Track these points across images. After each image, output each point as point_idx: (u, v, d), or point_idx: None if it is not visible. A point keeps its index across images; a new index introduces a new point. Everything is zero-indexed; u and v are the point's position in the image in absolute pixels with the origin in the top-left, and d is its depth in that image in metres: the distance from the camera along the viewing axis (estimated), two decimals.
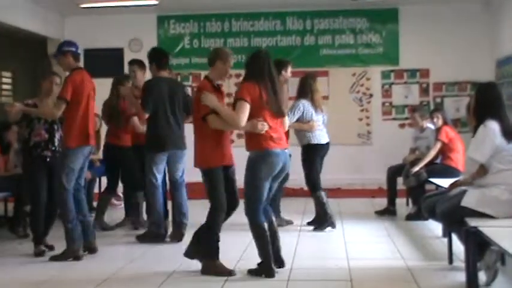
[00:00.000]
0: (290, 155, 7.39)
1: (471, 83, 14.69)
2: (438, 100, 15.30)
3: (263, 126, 6.92)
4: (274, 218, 7.42)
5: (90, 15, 14.92)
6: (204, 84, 7.34)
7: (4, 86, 18.88)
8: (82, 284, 6.97)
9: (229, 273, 7.13)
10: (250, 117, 6.93)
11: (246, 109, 6.86)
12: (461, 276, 6.32)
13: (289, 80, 10.09)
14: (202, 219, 7.25)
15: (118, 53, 15.18)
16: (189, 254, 7.44)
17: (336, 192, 14.05)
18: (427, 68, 15.39)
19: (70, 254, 8.01)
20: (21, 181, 9.80)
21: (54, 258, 8.03)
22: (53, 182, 8.36)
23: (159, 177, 9.22)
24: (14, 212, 10.03)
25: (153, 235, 9.16)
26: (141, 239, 9.17)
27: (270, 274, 6.98)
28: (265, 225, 7.04)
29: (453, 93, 15.26)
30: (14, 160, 10.40)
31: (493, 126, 6.57)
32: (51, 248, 8.47)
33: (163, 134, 9.07)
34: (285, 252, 7.83)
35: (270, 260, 7.04)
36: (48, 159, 8.45)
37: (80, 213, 8.21)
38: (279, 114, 7.15)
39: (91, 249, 8.34)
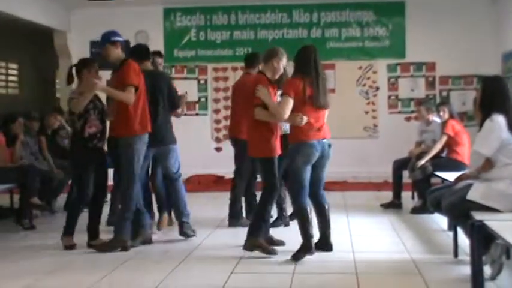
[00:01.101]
0: (330, 145, 7.75)
1: (477, 76, 14.69)
2: (444, 93, 15.31)
3: (301, 120, 7.41)
4: (326, 206, 7.95)
5: (96, 7, 14.92)
6: (261, 79, 7.81)
7: (10, 78, 18.94)
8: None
9: (269, 252, 7.71)
10: (293, 110, 7.44)
11: (289, 103, 7.39)
12: (466, 270, 6.31)
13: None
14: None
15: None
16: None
17: (342, 185, 14.11)
18: (434, 61, 15.38)
19: (119, 244, 8.01)
20: (27, 172, 9.85)
21: (101, 249, 7.98)
22: (101, 174, 8.34)
23: (140, 172, 8.53)
24: (20, 203, 10.05)
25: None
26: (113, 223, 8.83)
27: (309, 252, 7.50)
28: (308, 208, 7.60)
29: (459, 87, 15.26)
30: (20, 152, 10.44)
31: (499, 120, 6.56)
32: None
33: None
34: (290, 246, 7.93)
35: (311, 239, 7.57)
36: (100, 151, 8.39)
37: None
38: (321, 107, 7.60)
39: (147, 241, 8.40)
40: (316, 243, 7.73)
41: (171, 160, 8.95)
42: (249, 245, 7.75)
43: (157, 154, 8.97)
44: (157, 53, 9.98)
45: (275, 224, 9.17)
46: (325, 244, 7.86)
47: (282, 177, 8.57)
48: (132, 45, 14.90)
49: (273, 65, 7.85)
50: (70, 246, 8.11)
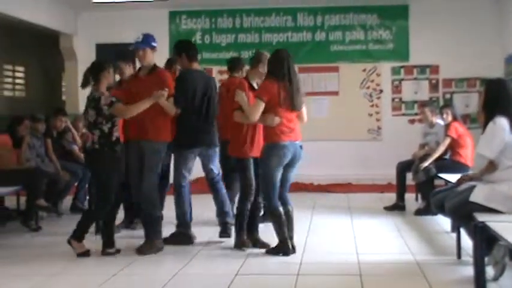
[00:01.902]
0: (301, 147, 7.86)
1: (480, 79, 14.70)
2: (448, 96, 15.33)
3: (273, 121, 7.57)
4: (290, 208, 7.93)
5: (103, 10, 14.97)
6: (242, 83, 8.12)
7: (17, 80, 18.98)
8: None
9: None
10: (267, 111, 7.59)
11: (259, 106, 7.55)
12: (469, 271, 6.33)
13: (301, 75, 9.74)
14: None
15: (131, 50, 15.20)
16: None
17: (345, 187, 14.14)
18: (437, 64, 15.42)
19: (155, 248, 7.93)
20: (34, 174, 9.87)
21: (141, 252, 7.84)
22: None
23: (188, 176, 8.70)
24: (26, 205, 10.06)
25: (181, 236, 8.55)
26: (169, 240, 8.42)
27: (286, 252, 7.68)
28: (281, 209, 7.71)
29: (462, 90, 15.29)
30: (27, 154, 10.46)
31: (502, 123, 6.57)
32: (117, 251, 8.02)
33: (194, 130, 8.52)
34: (295, 247, 7.97)
35: (287, 240, 7.73)
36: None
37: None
38: (293, 109, 7.73)
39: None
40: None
41: (215, 161, 8.95)
42: (239, 244, 8.11)
43: (203, 155, 8.81)
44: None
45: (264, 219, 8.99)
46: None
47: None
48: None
49: (259, 70, 8.15)
50: (84, 253, 7.81)
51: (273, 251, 7.81)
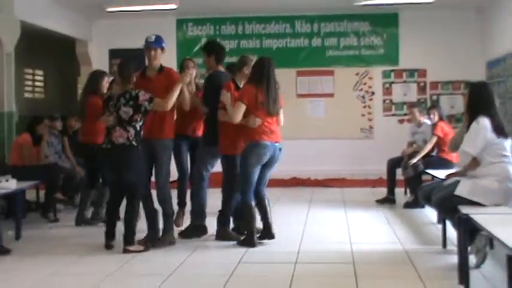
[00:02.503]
0: (280, 149, 7.91)
1: (464, 82, 14.71)
2: (434, 98, 15.34)
3: (255, 122, 7.68)
4: (267, 200, 7.98)
5: (115, 18, 14.97)
6: (228, 85, 8.05)
7: (37, 83, 19.02)
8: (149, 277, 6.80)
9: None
10: (248, 113, 7.70)
11: (241, 108, 7.67)
12: (453, 259, 6.34)
13: (299, 79, 9.70)
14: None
15: (140, 52, 15.14)
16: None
17: (340, 182, 14.14)
18: (425, 68, 15.43)
19: (169, 241, 7.83)
20: (52, 170, 9.90)
21: (154, 245, 7.62)
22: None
23: (210, 170, 8.57)
24: (45, 198, 10.09)
25: (195, 227, 8.38)
26: (185, 234, 8.34)
27: (252, 245, 7.74)
28: (253, 204, 7.81)
29: (448, 92, 15.31)
30: (46, 151, 10.50)
31: (485, 123, 6.58)
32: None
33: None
34: (293, 237, 8.10)
35: (253, 233, 7.81)
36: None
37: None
38: (271, 113, 7.81)
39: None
40: (261, 233, 7.98)
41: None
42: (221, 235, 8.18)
43: (213, 155, 8.51)
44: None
45: None
46: (268, 233, 7.90)
47: None
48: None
49: (244, 72, 8.18)
50: (143, 250, 7.49)
51: (241, 243, 7.84)
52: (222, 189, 8.33)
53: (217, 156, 8.43)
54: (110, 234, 7.61)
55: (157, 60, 8.00)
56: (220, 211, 8.28)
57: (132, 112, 7.35)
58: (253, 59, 8.23)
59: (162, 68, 8.03)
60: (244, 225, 8.01)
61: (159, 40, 8.00)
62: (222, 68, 8.60)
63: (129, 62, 7.90)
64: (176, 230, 8.33)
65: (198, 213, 8.43)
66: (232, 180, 8.13)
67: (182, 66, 9.18)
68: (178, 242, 7.97)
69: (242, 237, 7.96)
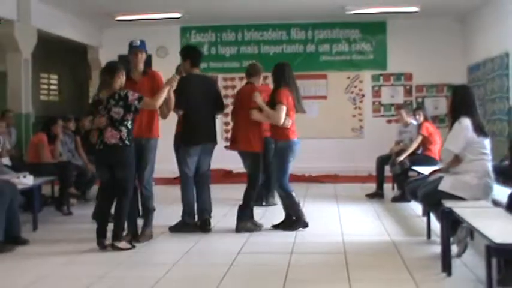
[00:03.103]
0: None
1: (447, 85, 14.73)
2: (420, 100, 15.35)
3: (289, 122, 7.96)
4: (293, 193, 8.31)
5: (124, 26, 14.96)
6: (255, 88, 8.42)
7: (52, 87, 19.05)
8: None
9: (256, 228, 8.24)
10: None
11: (283, 110, 7.89)
12: (437, 249, 6.39)
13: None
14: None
15: (147, 58, 15.19)
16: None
17: (333, 178, 14.17)
18: (411, 72, 15.45)
19: (149, 235, 7.59)
20: (65, 167, 9.92)
21: (138, 240, 7.42)
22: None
23: (192, 168, 8.24)
24: (59, 193, 10.13)
25: (185, 224, 8.19)
26: (174, 229, 8.18)
27: (305, 225, 8.18)
28: (293, 192, 8.26)
29: (432, 94, 15.34)
30: (60, 149, 10.53)
31: (466, 123, 6.59)
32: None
33: (196, 128, 8.13)
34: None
35: (302, 214, 8.24)
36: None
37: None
38: (299, 112, 8.24)
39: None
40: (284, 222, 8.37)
41: (209, 158, 8.48)
42: (240, 227, 8.16)
43: (202, 151, 8.29)
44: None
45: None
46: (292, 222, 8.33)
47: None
48: (153, 60, 15.09)
49: (260, 78, 8.76)
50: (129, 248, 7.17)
51: (292, 227, 8.18)
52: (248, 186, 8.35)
53: (195, 154, 8.20)
54: (102, 232, 7.23)
55: (141, 63, 7.80)
56: (240, 205, 8.26)
57: (123, 112, 7.08)
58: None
59: (146, 71, 7.89)
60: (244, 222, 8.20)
61: (143, 44, 7.85)
62: (197, 71, 8.42)
63: (116, 63, 7.68)
64: None
65: (187, 211, 8.23)
66: (257, 177, 8.33)
67: (177, 71, 8.86)
68: (181, 235, 7.95)
69: (280, 224, 8.33)
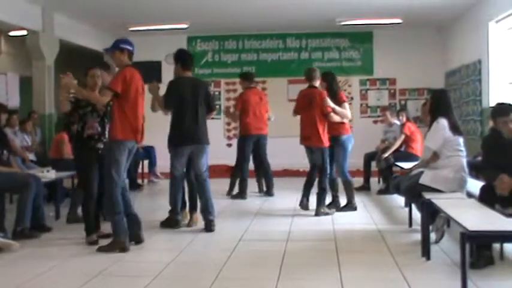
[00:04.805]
0: None
1: (427, 89, 14.75)
2: (403, 102, 15.35)
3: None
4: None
5: (136, 36, 14.89)
6: (323, 92, 8.67)
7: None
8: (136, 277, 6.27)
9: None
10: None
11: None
12: (417, 236, 6.45)
13: (290, 86, 9.78)
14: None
15: (156, 64, 15.18)
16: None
17: None
18: (395, 77, 15.46)
19: (117, 246, 6.44)
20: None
21: (101, 249, 6.48)
22: (103, 173, 6.83)
23: (180, 169, 7.72)
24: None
25: (171, 221, 7.79)
26: (163, 225, 7.82)
27: (354, 209, 8.96)
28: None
29: (414, 97, 15.33)
30: None
31: (443, 123, 6.62)
32: (107, 236, 6.85)
33: (184, 130, 7.57)
34: (285, 219, 8.21)
35: (353, 200, 9.06)
36: (100, 151, 7.03)
37: (125, 206, 6.66)
38: None
39: (138, 240, 6.80)
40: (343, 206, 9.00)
41: (203, 159, 7.69)
42: (319, 212, 8.57)
43: (192, 152, 7.64)
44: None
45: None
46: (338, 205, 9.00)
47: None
48: (162, 65, 15.13)
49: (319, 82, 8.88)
50: (94, 242, 6.78)
51: (343, 209, 8.88)
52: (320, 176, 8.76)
53: (183, 155, 7.65)
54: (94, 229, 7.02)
55: (116, 62, 7.02)
56: (317, 193, 8.65)
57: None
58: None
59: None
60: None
61: (114, 44, 6.97)
62: (189, 74, 7.86)
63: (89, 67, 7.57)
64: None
65: (172, 208, 7.85)
66: (324, 168, 8.71)
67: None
68: (184, 228, 7.84)
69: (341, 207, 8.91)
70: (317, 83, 8.83)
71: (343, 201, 9.05)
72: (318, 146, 8.60)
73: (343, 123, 8.84)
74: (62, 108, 7.08)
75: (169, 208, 7.89)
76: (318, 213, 8.49)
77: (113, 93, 6.53)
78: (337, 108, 8.55)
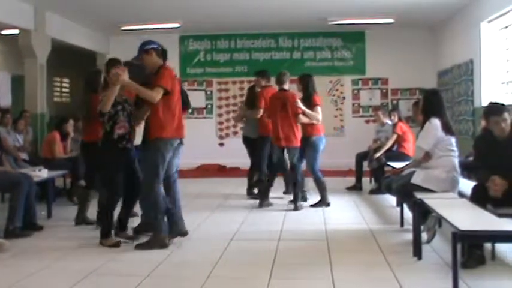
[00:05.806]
0: None
1: (419, 89, 14.79)
2: (395, 102, 15.40)
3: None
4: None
5: (129, 35, 14.94)
6: (295, 95, 9.15)
7: (64, 89, 19.06)
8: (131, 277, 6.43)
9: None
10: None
11: (320, 111, 9.20)
12: (409, 236, 6.39)
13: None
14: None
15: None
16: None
17: None
18: (387, 77, 15.54)
19: (157, 243, 6.43)
20: (76, 162, 9.90)
21: (140, 247, 6.47)
22: (131, 174, 6.86)
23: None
24: (71, 185, 10.15)
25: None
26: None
27: (327, 205, 9.34)
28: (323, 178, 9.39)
29: (406, 97, 15.40)
30: (71, 146, 10.54)
31: (436, 123, 6.62)
32: (132, 238, 6.86)
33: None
34: (277, 219, 8.17)
35: (326, 197, 9.39)
36: (130, 151, 6.84)
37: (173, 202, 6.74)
38: None
39: (182, 233, 6.85)
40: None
41: (178, 159, 7.01)
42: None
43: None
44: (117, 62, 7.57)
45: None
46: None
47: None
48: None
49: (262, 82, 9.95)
50: (115, 244, 6.62)
51: (317, 205, 9.24)
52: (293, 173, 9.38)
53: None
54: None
55: (148, 64, 6.79)
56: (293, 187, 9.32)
57: (99, 115, 6.71)
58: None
59: (158, 68, 6.67)
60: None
61: (139, 49, 6.89)
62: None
63: (110, 59, 7.76)
64: None
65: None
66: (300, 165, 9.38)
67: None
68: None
69: (316, 202, 9.32)
70: (287, 86, 9.33)
71: (316, 198, 9.56)
72: (294, 146, 9.13)
73: (314, 124, 9.24)
74: (106, 107, 6.53)
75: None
76: (296, 208, 9.01)
77: (164, 91, 6.35)
78: (307, 110, 8.95)
